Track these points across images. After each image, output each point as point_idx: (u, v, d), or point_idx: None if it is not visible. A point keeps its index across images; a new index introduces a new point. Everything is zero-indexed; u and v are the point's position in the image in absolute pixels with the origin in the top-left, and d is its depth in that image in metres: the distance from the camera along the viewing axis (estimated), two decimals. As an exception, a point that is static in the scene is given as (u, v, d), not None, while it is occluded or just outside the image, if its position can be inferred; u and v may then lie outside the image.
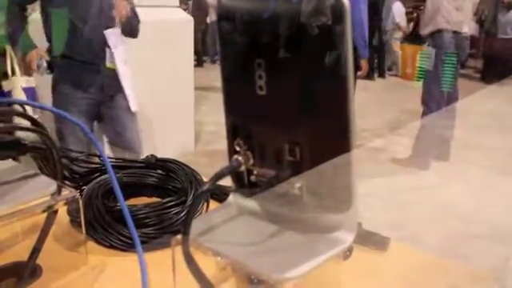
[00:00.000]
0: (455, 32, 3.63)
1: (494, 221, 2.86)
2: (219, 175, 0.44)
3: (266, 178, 0.46)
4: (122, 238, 0.63)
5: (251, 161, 0.46)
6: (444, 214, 2.96)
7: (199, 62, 8.27)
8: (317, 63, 0.40)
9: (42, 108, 0.55)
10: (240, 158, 0.46)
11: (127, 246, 0.63)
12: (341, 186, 0.43)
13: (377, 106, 6.02)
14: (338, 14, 0.38)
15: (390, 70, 8.96)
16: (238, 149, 0.46)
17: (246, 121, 0.46)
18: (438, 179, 3.64)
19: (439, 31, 3.64)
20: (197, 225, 0.46)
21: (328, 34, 0.39)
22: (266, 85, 0.42)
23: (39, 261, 0.55)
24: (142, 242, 0.59)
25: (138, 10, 3.31)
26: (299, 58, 0.41)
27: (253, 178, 0.47)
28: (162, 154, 0.82)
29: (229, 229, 0.48)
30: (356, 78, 3.85)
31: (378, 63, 8.67)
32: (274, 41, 0.41)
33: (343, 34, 0.39)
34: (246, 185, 0.48)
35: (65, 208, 0.65)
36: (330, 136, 0.42)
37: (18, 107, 0.56)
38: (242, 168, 0.46)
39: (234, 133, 0.47)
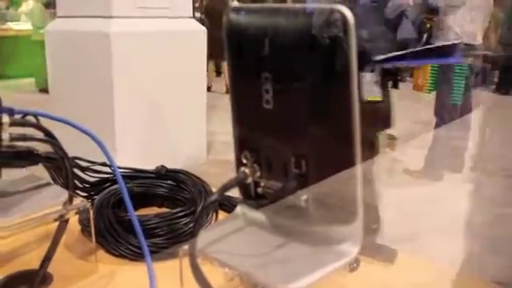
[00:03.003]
0: (469, 44, 3.62)
1: (507, 234, 2.83)
2: (226, 187, 0.45)
3: (272, 190, 0.47)
4: (131, 247, 0.64)
5: (258, 173, 0.47)
6: (457, 227, 2.93)
7: (218, 73, 8.41)
8: (322, 77, 0.41)
9: (57, 119, 0.57)
10: (247, 171, 0.46)
11: (137, 256, 0.64)
12: (346, 199, 0.43)
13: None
14: (342, 28, 0.39)
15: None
16: (244, 161, 0.47)
17: (253, 134, 0.47)
18: (450, 191, 3.61)
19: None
20: (204, 236, 0.47)
21: (333, 48, 0.40)
22: (273, 99, 0.43)
23: (50, 269, 0.56)
24: (152, 252, 0.60)
25: (150, 21, 3.36)
26: (305, 72, 0.42)
27: (260, 189, 0.48)
28: (173, 164, 0.83)
29: (236, 240, 0.49)
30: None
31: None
32: (281, 55, 0.42)
33: (348, 49, 0.39)
34: (253, 196, 0.48)
35: (76, 217, 0.66)
36: (336, 149, 0.42)
37: (31, 118, 0.57)
38: (249, 180, 0.47)
39: (241, 145, 0.48)
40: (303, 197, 0.44)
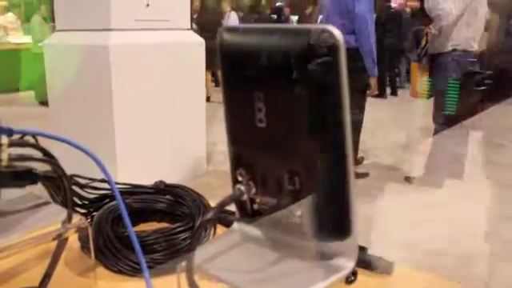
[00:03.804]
0: (464, 50, 3.63)
1: (509, 239, 2.83)
2: (222, 204, 0.46)
3: (267, 206, 0.47)
4: (130, 263, 0.64)
5: (253, 190, 0.47)
6: (458, 233, 2.93)
7: (217, 83, 8.47)
8: (314, 95, 0.42)
9: (55, 138, 0.57)
10: (242, 188, 0.47)
11: (136, 272, 0.64)
12: (340, 214, 0.44)
13: (388, 124, 6.01)
14: (332, 47, 0.40)
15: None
16: (240, 178, 0.48)
17: (248, 151, 0.48)
18: (451, 197, 3.61)
19: (447, 50, 3.63)
20: (202, 252, 0.48)
21: (325, 66, 0.41)
22: (266, 117, 0.44)
23: (50, 286, 0.57)
24: (151, 268, 0.61)
25: (149, 33, 3.38)
26: (297, 91, 0.42)
27: (255, 206, 0.48)
28: (174, 175, 0.83)
29: (233, 256, 0.49)
30: (365, 96, 3.86)
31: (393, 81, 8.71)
32: (273, 74, 0.43)
33: (339, 66, 0.40)
34: (250, 213, 0.49)
35: (76, 234, 0.66)
36: (329, 165, 0.43)
37: (30, 138, 0.57)
38: (245, 197, 0.48)
39: (236, 163, 0.48)
40: (297, 213, 0.45)
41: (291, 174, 0.44)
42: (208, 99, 6.16)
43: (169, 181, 0.83)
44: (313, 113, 0.42)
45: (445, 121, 3.73)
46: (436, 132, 3.83)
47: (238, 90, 0.47)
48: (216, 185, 3.45)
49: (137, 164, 3.22)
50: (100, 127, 3.26)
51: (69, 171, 0.60)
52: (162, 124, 3.52)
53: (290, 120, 0.43)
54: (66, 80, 3.44)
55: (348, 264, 0.45)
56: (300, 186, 0.44)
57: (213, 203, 0.75)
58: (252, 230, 0.50)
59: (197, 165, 3.93)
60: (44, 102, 5.12)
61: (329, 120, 0.42)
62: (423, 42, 4.09)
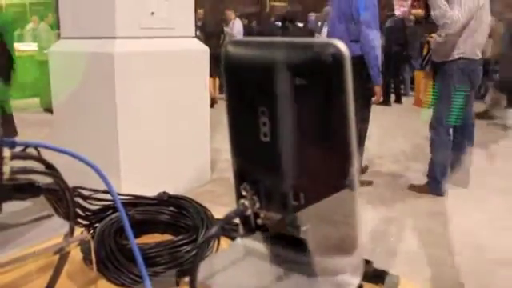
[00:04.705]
0: (470, 58, 3.61)
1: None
2: (226, 219, 0.45)
3: (272, 221, 0.47)
4: (132, 276, 0.64)
5: (257, 204, 0.47)
6: (461, 242, 2.91)
7: (220, 90, 8.48)
8: (319, 110, 0.41)
9: (57, 150, 0.57)
10: (246, 203, 0.47)
11: (138, 285, 0.63)
12: (345, 230, 0.43)
13: (393, 132, 6.00)
14: (338, 62, 0.39)
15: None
16: (244, 193, 0.47)
17: (252, 166, 0.47)
18: (455, 206, 3.59)
19: (453, 59, 3.62)
20: (205, 266, 0.47)
21: (327, 80, 0.40)
22: (270, 132, 0.43)
23: (51, 299, 0.56)
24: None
25: (154, 41, 3.39)
26: (301, 105, 0.42)
27: (259, 220, 0.48)
28: (178, 183, 0.83)
29: (236, 271, 0.49)
30: (370, 104, 3.85)
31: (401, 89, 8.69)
32: (277, 88, 0.42)
33: (343, 80, 0.40)
34: (253, 227, 0.48)
35: (78, 247, 0.66)
36: (334, 180, 0.43)
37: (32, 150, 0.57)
38: (249, 212, 0.47)
39: (240, 177, 0.48)
40: (303, 228, 0.44)
41: (296, 188, 0.44)
42: (212, 105, 6.16)
43: (173, 189, 0.82)
44: (318, 127, 0.42)
45: (444, 128, 3.72)
46: (432, 140, 3.81)
47: (242, 104, 0.46)
48: (220, 193, 3.44)
49: (141, 172, 3.21)
50: (104, 135, 3.26)
51: (74, 181, 0.60)
52: (166, 131, 3.52)
53: (294, 134, 0.43)
54: (70, 87, 3.44)
55: (353, 280, 0.44)
56: (305, 200, 0.44)
57: (217, 211, 0.75)
58: (256, 244, 0.49)
59: (201, 173, 3.92)
60: (49, 109, 5.15)
61: (334, 134, 0.41)
62: (425, 51, 4.07)
